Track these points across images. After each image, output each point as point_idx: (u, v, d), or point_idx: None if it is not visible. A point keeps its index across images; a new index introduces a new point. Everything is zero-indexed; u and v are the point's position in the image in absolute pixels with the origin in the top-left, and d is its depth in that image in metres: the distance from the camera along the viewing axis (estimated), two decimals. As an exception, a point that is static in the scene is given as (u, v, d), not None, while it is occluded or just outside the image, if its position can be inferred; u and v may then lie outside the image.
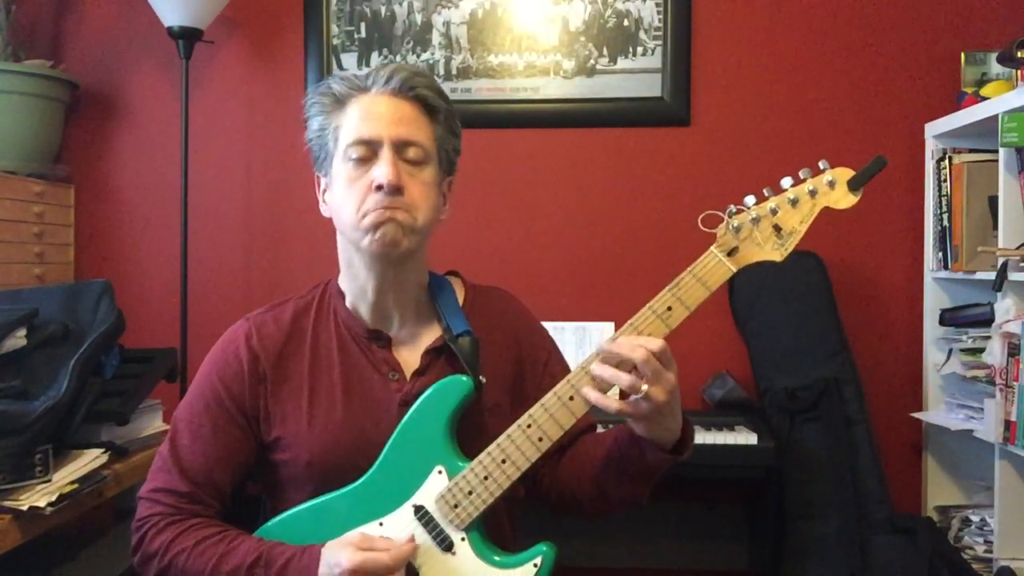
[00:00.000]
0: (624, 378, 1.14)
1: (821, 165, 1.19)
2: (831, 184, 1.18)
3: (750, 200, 1.19)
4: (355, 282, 1.33)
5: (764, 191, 1.20)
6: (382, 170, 1.23)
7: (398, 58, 2.84)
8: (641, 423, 1.19)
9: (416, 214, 1.25)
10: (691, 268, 1.19)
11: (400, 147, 1.25)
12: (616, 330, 1.20)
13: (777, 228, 1.19)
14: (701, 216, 1.19)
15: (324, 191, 1.33)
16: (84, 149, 2.94)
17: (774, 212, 1.19)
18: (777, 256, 1.19)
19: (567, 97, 2.80)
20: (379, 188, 1.22)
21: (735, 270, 1.19)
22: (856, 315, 2.68)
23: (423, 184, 1.27)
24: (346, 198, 1.26)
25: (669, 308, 1.18)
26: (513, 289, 1.48)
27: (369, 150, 1.25)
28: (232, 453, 1.29)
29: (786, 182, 1.19)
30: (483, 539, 1.23)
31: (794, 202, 1.18)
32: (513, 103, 2.81)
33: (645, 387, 1.13)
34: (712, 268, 1.19)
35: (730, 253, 1.19)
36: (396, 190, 1.23)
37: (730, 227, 1.19)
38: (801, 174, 1.19)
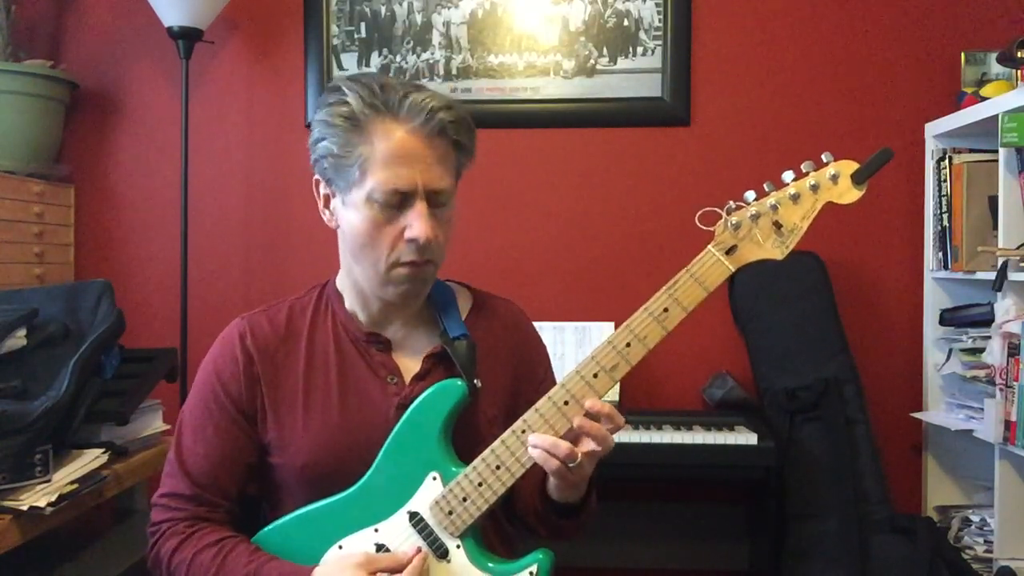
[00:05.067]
0: (563, 448, 1.13)
1: (824, 158, 1.14)
2: (834, 178, 1.13)
3: (750, 196, 1.15)
4: (356, 289, 1.32)
5: (764, 186, 1.15)
6: (418, 225, 1.19)
7: (398, 58, 2.84)
8: (561, 485, 1.20)
9: (439, 258, 1.26)
10: (688, 268, 1.15)
11: (432, 196, 1.22)
12: (616, 329, 1.18)
13: (778, 225, 1.14)
14: (698, 213, 1.15)
15: (327, 197, 1.29)
16: (84, 149, 2.94)
17: (774, 208, 1.14)
18: (778, 254, 1.15)
19: (567, 97, 2.80)
20: (412, 241, 1.20)
21: (733, 269, 1.15)
22: (856, 315, 2.68)
23: (446, 223, 1.25)
24: (372, 240, 1.22)
25: (665, 310, 1.15)
26: (512, 289, 1.48)
27: (402, 198, 1.20)
28: (236, 453, 1.29)
29: (787, 176, 1.14)
30: (478, 546, 1.22)
31: (795, 197, 1.13)
32: (513, 103, 2.81)
33: (580, 457, 1.14)
34: (710, 267, 1.15)
35: (728, 251, 1.15)
36: (429, 243, 1.21)
37: (728, 224, 1.14)
38: (803, 167, 1.14)
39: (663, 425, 2.40)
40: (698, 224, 1.16)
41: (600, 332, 2.60)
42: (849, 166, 1.13)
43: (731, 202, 1.15)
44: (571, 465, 1.14)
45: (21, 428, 1.51)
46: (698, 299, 1.15)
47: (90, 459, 1.67)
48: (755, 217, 1.14)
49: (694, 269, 1.15)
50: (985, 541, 2.29)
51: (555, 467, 1.14)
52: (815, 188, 1.13)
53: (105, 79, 2.93)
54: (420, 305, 1.34)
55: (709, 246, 1.16)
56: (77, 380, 1.64)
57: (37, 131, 2.72)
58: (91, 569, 1.75)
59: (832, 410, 2.45)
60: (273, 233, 2.89)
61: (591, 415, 1.15)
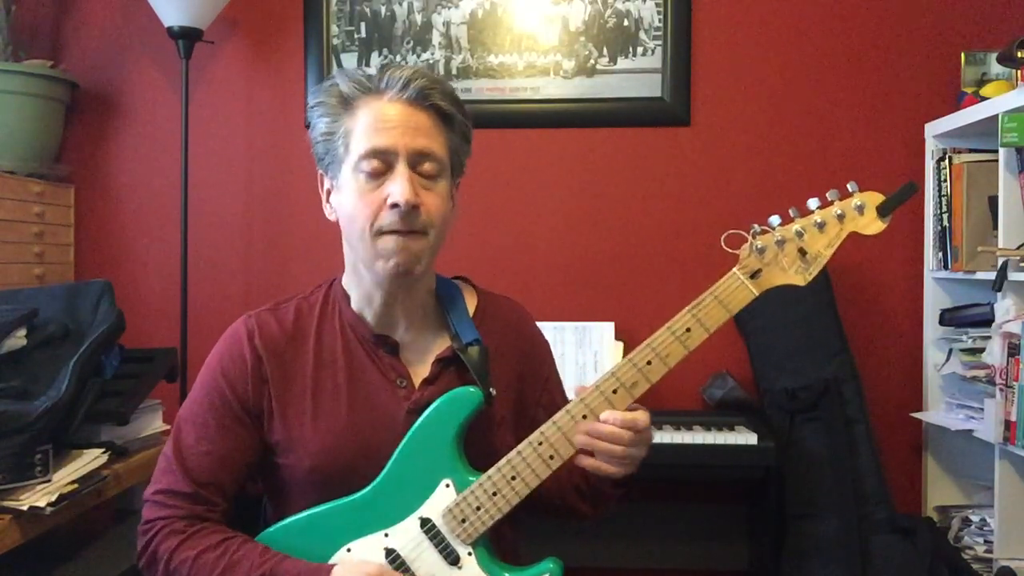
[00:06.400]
0: (617, 451, 1.16)
1: (850, 187, 1.15)
2: (860, 209, 1.14)
3: (775, 220, 1.15)
4: (361, 287, 1.30)
5: (789, 211, 1.15)
6: (398, 187, 1.18)
7: (398, 58, 2.84)
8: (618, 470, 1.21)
9: (430, 231, 1.22)
10: (712, 289, 1.15)
11: (415, 160, 1.21)
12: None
13: (802, 252, 1.14)
14: (724, 236, 1.15)
15: (328, 192, 1.30)
16: (84, 149, 2.94)
17: (800, 235, 1.14)
18: (801, 280, 1.15)
19: (567, 97, 2.80)
20: (394, 206, 1.19)
21: (757, 293, 1.15)
22: (856, 315, 2.68)
23: (437, 197, 1.23)
24: (358, 211, 1.21)
25: (688, 329, 1.16)
26: (513, 289, 1.48)
27: (383, 163, 1.20)
28: (238, 452, 1.27)
29: (813, 203, 1.15)
30: (490, 554, 1.21)
31: (821, 225, 1.14)
32: (513, 103, 2.81)
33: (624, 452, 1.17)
34: (734, 291, 1.15)
35: (753, 275, 1.15)
36: (412, 208, 1.19)
37: (754, 248, 1.15)
38: (829, 196, 1.14)
39: (663, 425, 2.40)
40: (723, 247, 1.16)
41: (600, 332, 2.59)
42: (875, 198, 1.15)
43: (756, 226, 1.16)
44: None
45: (21, 428, 1.51)
46: (721, 321, 1.15)
47: (90, 459, 1.67)
48: (781, 243, 1.15)
49: (718, 291, 1.16)
50: (985, 541, 2.29)
51: (621, 452, 1.16)
52: (841, 217, 1.15)
53: (105, 79, 2.93)
54: (426, 305, 1.33)
55: (734, 269, 1.16)
56: (77, 380, 1.64)
57: (37, 131, 2.72)
58: (91, 569, 1.75)
59: (832, 410, 2.45)
60: (273, 233, 2.89)
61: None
